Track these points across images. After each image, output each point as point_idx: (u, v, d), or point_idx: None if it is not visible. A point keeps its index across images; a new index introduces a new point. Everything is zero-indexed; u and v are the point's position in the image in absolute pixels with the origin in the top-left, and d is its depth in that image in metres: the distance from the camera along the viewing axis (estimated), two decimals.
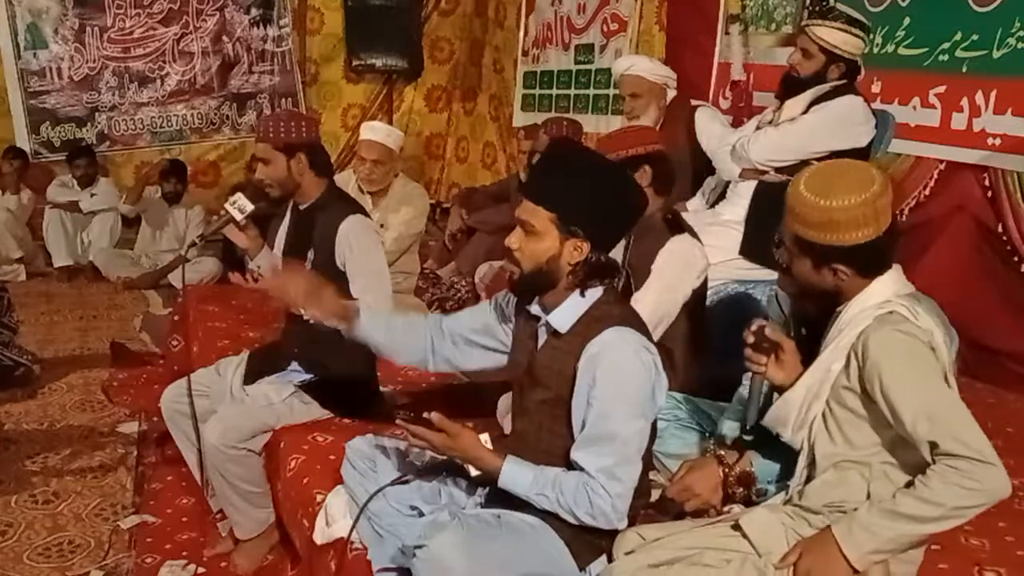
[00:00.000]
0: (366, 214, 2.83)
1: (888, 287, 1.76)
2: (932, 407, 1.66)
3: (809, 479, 1.83)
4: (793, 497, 1.85)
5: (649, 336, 1.92)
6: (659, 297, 2.56)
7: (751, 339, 1.88)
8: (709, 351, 2.72)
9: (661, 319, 2.57)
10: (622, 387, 1.84)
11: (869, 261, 1.75)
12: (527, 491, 1.88)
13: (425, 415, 1.92)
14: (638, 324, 1.92)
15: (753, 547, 1.76)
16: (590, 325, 1.88)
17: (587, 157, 2.01)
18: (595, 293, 1.92)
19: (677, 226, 2.68)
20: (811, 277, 1.80)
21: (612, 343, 1.84)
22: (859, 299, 1.77)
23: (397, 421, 2.00)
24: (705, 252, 2.68)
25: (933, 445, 1.65)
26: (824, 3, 3.17)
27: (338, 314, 2.20)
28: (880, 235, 1.72)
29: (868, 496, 1.75)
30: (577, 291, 1.91)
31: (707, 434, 2.41)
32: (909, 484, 1.69)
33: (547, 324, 1.95)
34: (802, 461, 1.84)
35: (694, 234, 2.68)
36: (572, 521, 1.86)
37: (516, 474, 1.89)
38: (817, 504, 1.79)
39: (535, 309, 1.99)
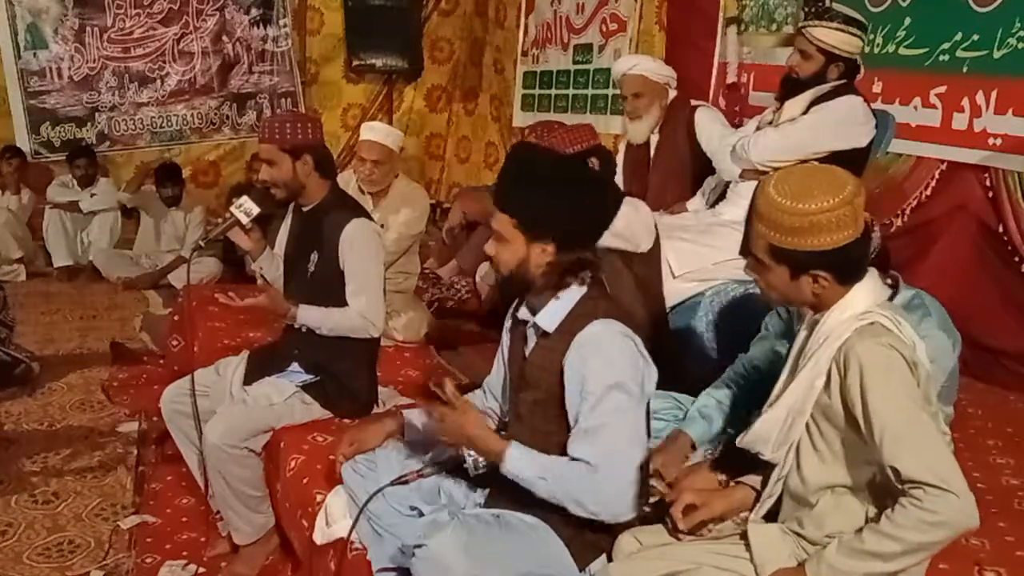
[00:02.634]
0: (370, 218, 2.84)
1: (868, 296, 1.68)
2: (899, 426, 1.57)
3: (786, 495, 1.78)
4: (765, 513, 1.80)
5: (635, 329, 1.91)
6: None
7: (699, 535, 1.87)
8: (709, 352, 2.72)
9: None
10: (614, 376, 1.83)
11: (850, 266, 1.67)
12: (533, 474, 1.83)
13: (432, 386, 1.91)
14: (623, 317, 1.92)
15: (751, 556, 1.73)
16: (576, 321, 1.88)
17: (546, 161, 2.00)
18: (578, 292, 1.92)
19: None
20: (788, 288, 1.72)
21: (599, 334, 1.85)
22: (837, 309, 1.68)
23: (431, 385, 1.98)
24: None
25: (896, 472, 1.57)
26: (820, 3, 3.16)
27: (390, 437, 2.26)
28: (859, 236, 1.64)
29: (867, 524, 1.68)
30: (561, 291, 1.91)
31: None
32: (878, 518, 1.62)
33: (535, 326, 1.96)
34: (776, 473, 1.78)
35: None
36: (578, 511, 1.82)
37: (521, 458, 1.86)
38: (817, 534, 1.72)
39: (523, 313, 2.00)
